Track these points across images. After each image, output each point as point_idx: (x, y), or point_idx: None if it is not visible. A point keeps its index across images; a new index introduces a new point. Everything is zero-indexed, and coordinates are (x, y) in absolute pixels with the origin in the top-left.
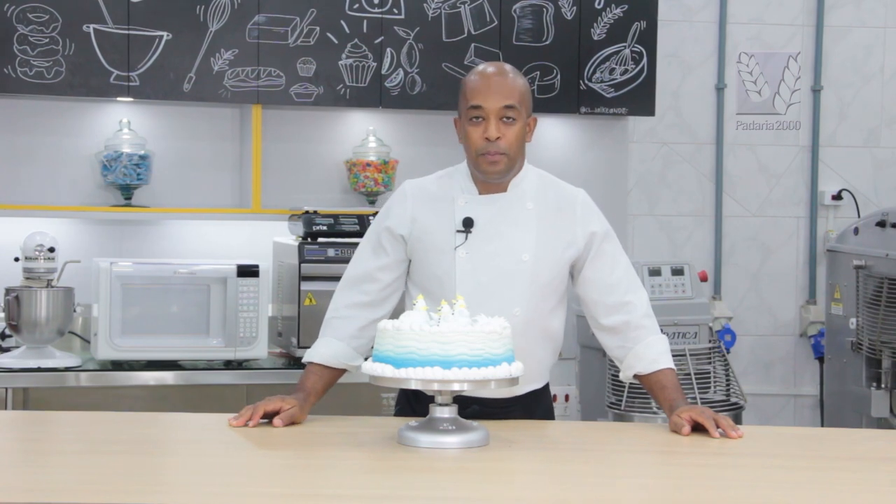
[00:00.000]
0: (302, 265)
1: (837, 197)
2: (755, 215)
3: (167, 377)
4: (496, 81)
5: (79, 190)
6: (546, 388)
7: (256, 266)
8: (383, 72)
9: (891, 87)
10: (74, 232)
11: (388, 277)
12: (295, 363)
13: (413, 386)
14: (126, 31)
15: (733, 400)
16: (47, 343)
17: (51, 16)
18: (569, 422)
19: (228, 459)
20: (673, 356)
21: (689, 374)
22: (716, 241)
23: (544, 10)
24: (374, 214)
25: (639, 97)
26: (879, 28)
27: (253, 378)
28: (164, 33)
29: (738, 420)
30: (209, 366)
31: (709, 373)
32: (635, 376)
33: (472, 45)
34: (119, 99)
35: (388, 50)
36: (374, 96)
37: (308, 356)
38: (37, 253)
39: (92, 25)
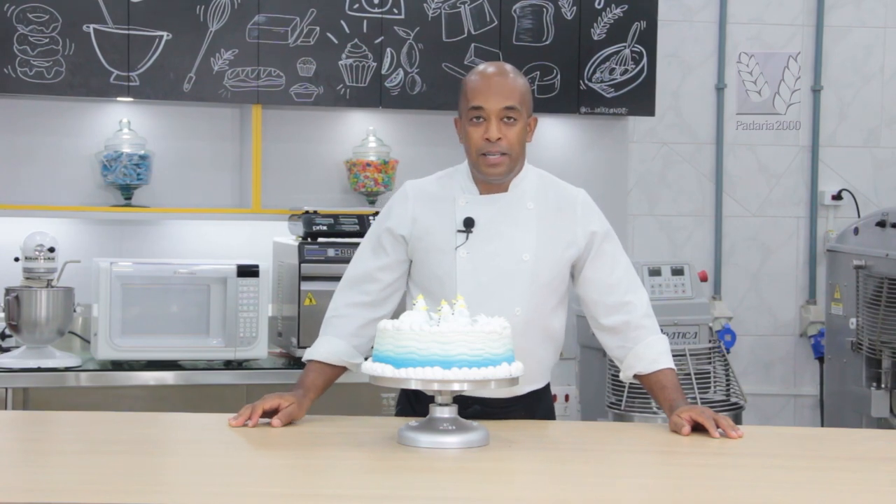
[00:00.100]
0: (302, 265)
1: (837, 197)
2: (755, 215)
3: (167, 377)
4: (497, 82)
5: (79, 190)
6: (547, 388)
7: (256, 266)
8: (383, 72)
9: (891, 87)
10: (74, 232)
11: (388, 278)
12: (295, 363)
13: (413, 386)
14: (126, 31)
15: (733, 400)
16: (47, 343)
17: (51, 16)
18: (569, 422)
19: (228, 459)
20: (673, 356)
21: (689, 374)
22: (716, 241)
23: (544, 10)
24: (375, 214)
25: (639, 97)
26: (879, 28)
27: (253, 378)
28: (164, 33)
29: (738, 420)
30: (209, 366)
31: (709, 373)
32: (635, 376)
33: (472, 45)
34: (119, 99)
35: (388, 50)
36: (374, 96)
37: (308, 354)
38: (37, 253)
39: (92, 25)
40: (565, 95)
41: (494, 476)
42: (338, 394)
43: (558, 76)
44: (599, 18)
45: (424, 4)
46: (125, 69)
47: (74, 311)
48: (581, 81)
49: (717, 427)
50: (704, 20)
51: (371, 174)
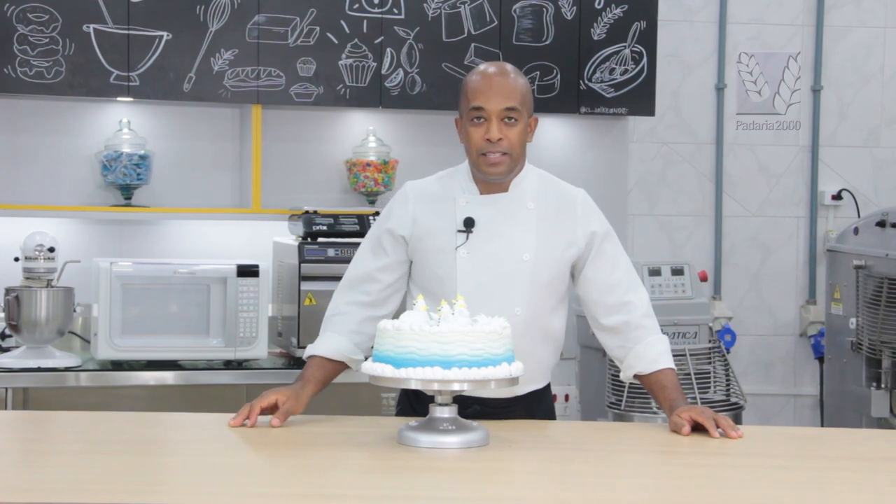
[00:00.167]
0: (302, 265)
1: (837, 197)
2: (755, 215)
3: (167, 377)
4: (498, 82)
5: (79, 190)
6: (547, 388)
7: (256, 266)
8: (383, 72)
9: (891, 87)
10: (74, 232)
11: (388, 278)
12: (295, 363)
13: (413, 386)
14: (126, 31)
15: (733, 400)
16: (47, 343)
17: (51, 16)
18: (569, 422)
19: (228, 459)
20: (673, 356)
21: (689, 374)
22: (716, 241)
23: (544, 10)
24: (374, 214)
25: (639, 97)
26: (879, 28)
27: (253, 378)
28: (164, 33)
29: (738, 420)
30: (209, 366)
31: (709, 373)
32: (635, 376)
33: (472, 45)
34: (119, 99)
35: (388, 50)
36: (374, 96)
37: (309, 350)
38: (37, 253)
39: (92, 25)
40: (565, 95)
41: (494, 476)
42: (338, 394)
43: (558, 76)
44: (599, 18)
45: (424, 4)
46: (125, 69)
47: (74, 311)
48: (581, 81)
49: (717, 427)
50: (704, 20)
51: (371, 174)
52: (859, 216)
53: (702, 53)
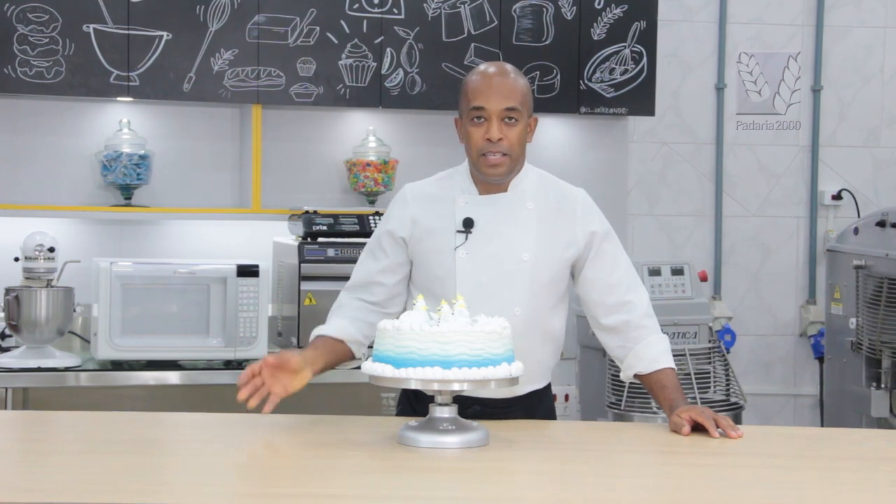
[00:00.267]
0: (302, 265)
1: (837, 197)
2: (755, 215)
3: (167, 377)
4: (498, 82)
5: (79, 190)
6: (548, 388)
7: (256, 266)
8: (383, 72)
9: (891, 87)
10: (74, 232)
11: (389, 280)
12: None
13: (413, 386)
14: (126, 31)
15: (733, 400)
16: (47, 343)
17: (51, 16)
18: (569, 422)
19: (228, 459)
20: (673, 356)
21: (689, 374)
22: (716, 241)
23: (544, 10)
24: (374, 214)
25: (639, 97)
26: (879, 28)
27: None
28: (164, 33)
29: (738, 420)
30: (209, 366)
31: (709, 373)
32: (636, 376)
33: (472, 45)
34: (119, 99)
35: (388, 50)
36: (374, 96)
37: (316, 332)
38: (37, 253)
39: (92, 25)
40: (565, 95)
41: (494, 476)
42: (338, 394)
43: (558, 76)
44: (599, 18)
45: (424, 4)
46: (125, 69)
47: (74, 310)
48: (581, 81)
49: (717, 427)
50: (704, 20)
51: (371, 174)
52: (859, 216)
53: (702, 53)
